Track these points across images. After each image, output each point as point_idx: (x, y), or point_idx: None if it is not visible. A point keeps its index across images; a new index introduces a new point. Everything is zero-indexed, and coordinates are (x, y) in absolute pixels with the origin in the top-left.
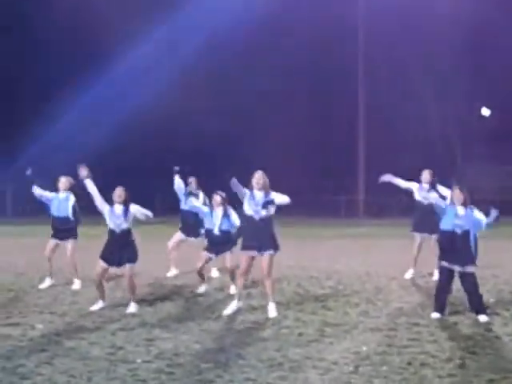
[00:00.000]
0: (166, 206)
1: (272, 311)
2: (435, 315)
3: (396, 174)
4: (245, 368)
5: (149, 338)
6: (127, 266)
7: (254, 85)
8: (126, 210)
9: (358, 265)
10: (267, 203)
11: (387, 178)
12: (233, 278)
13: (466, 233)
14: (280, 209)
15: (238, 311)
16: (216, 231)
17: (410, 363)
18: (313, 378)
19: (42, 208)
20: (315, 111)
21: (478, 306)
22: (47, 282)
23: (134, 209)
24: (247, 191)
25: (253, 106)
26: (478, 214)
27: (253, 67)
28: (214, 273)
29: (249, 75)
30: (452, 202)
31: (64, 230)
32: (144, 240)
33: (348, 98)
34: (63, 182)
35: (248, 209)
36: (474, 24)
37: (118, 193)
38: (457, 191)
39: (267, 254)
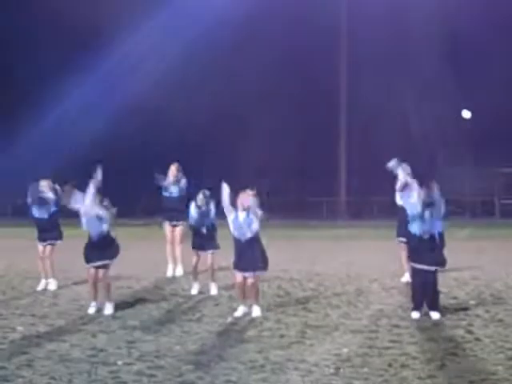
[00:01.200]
0: (150, 208)
1: (256, 311)
2: (415, 314)
3: (377, 176)
4: (226, 370)
5: (130, 340)
6: (106, 261)
7: (238, 85)
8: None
9: (339, 266)
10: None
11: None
12: (195, 277)
13: (433, 236)
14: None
15: (219, 313)
16: (203, 230)
17: (390, 365)
18: (294, 379)
19: (22, 210)
20: (297, 113)
21: (432, 302)
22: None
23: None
24: (232, 211)
25: (236, 106)
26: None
27: (236, 67)
28: (179, 271)
29: (233, 75)
30: (419, 200)
31: (48, 229)
32: (126, 242)
33: (330, 99)
34: (44, 185)
35: (233, 230)
36: (456, 26)
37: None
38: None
39: (255, 274)
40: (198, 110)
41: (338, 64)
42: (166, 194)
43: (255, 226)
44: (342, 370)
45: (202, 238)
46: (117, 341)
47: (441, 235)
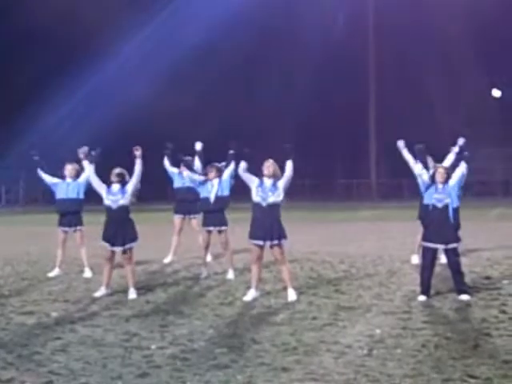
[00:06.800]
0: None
1: (291, 295)
2: (422, 298)
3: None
4: (259, 352)
5: (163, 324)
6: (129, 245)
7: (265, 73)
8: (123, 187)
9: (370, 248)
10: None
11: (401, 145)
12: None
13: (446, 207)
14: (292, 193)
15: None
16: (212, 197)
17: (423, 346)
18: (327, 361)
19: (53, 196)
20: (327, 96)
21: (459, 285)
22: (56, 271)
23: (130, 185)
24: (256, 179)
25: (265, 91)
26: (454, 175)
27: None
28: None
29: (259, 66)
30: (434, 181)
31: (71, 213)
32: (155, 227)
33: (359, 81)
34: (70, 169)
35: (255, 196)
36: (484, 7)
37: (117, 173)
38: (441, 170)
39: (275, 243)
40: (229, 92)
41: (366, 52)
42: (179, 185)
43: (281, 192)
44: (375, 352)
45: (213, 210)
46: (150, 325)
47: (455, 212)
